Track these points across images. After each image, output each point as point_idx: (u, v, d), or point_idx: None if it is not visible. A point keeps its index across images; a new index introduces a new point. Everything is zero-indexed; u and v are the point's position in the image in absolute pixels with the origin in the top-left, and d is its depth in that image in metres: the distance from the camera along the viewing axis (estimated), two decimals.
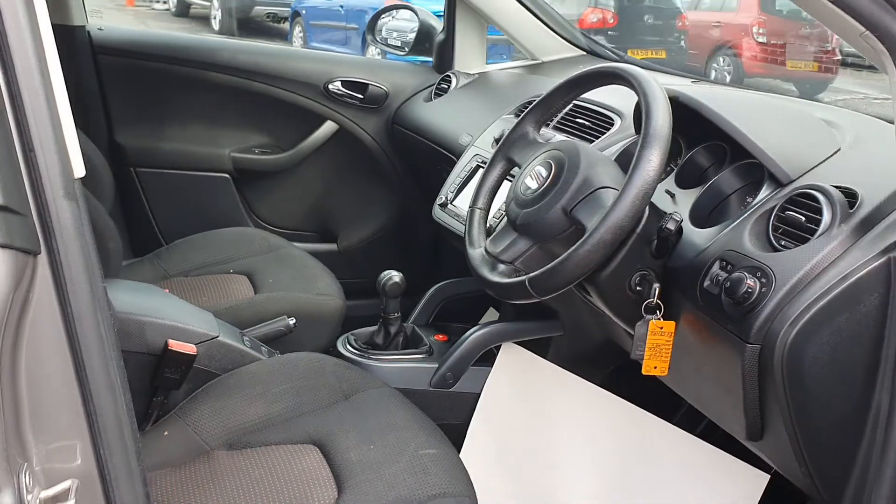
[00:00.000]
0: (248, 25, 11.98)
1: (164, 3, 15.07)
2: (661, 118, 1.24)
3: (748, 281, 1.17)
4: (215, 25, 12.28)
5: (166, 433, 1.49)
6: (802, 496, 1.43)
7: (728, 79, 9.38)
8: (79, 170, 0.79)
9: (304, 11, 10.83)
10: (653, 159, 1.22)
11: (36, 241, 0.76)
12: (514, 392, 1.81)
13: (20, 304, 0.77)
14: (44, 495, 0.79)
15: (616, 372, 1.88)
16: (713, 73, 9.57)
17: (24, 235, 0.74)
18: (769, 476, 1.67)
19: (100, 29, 2.47)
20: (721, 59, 9.64)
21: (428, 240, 2.56)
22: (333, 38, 10.38)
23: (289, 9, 11.37)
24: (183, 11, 14.07)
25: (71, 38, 2.38)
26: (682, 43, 10.29)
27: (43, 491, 0.80)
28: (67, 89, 0.79)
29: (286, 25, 11.70)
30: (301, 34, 10.94)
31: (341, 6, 10.18)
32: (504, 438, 1.78)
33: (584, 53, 2.51)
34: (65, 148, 0.77)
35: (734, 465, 1.70)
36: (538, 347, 1.86)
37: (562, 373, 1.82)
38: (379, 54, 3.06)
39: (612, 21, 10.51)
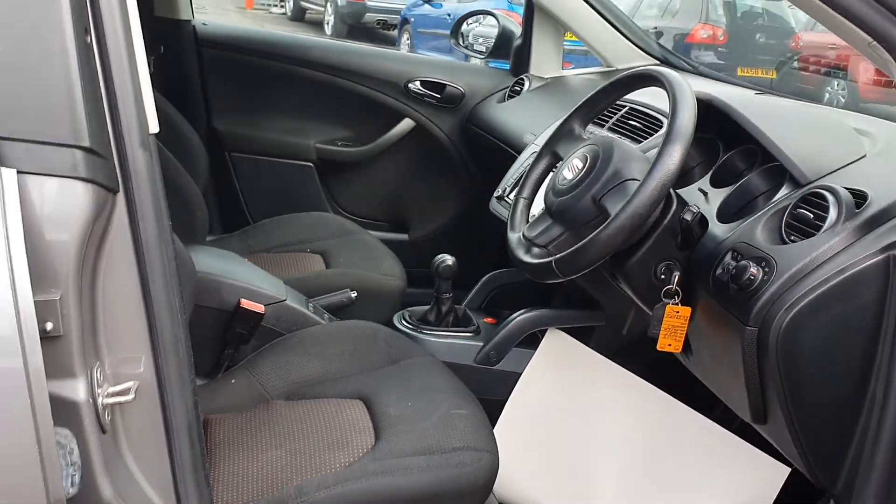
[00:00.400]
0: (358, 31, 12.31)
1: (281, 6, 15.65)
2: (686, 118, 1.35)
3: (752, 269, 1.26)
4: (328, 30, 12.67)
5: (233, 381, 1.66)
6: (820, 491, 1.50)
7: (843, 103, 9.12)
8: (153, 126, 0.96)
9: (412, 19, 11.07)
10: (674, 154, 1.32)
11: (115, 181, 0.94)
12: (553, 374, 1.92)
13: (100, 232, 0.95)
14: (111, 390, 0.97)
15: (656, 364, 1.97)
16: (826, 96, 9.32)
17: (105, 175, 0.91)
18: (790, 469, 1.73)
19: (203, 24, 2.70)
20: (835, 83, 9.39)
21: (493, 232, 2.68)
22: (440, 46, 10.57)
23: (398, 16, 11.64)
24: (298, 16, 14.58)
25: (177, 31, 2.60)
26: (795, 63, 10.06)
27: (110, 388, 0.98)
28: (172, 77, 0.97)
29: (395, 32, 12.01)
30: (409, 41, 11.20)
31: (448, 14, 10.36)
32: (538, 415, 1.89)
33: (658, 62, 2.59)
34: (143, 107, 0.95)
35: (757, 457, 1.77)
36: (581, 336, 1.97)
37: (602, 360, 1.92)
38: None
39: (722, 38, 10.34)
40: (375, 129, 2.78)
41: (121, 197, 0.95)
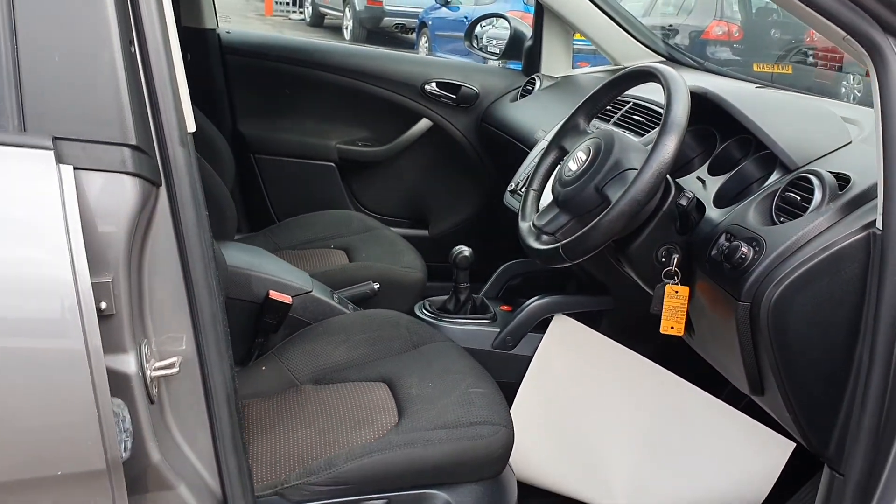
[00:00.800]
0: (377, 35, 12.43)
1: (300, 13, 15.84)
2: (680, 111, 1.44)
3: (743, 248, 1.36)
4: (347, 35, 12.80)
5: (264, 368, 1.76)
6: (819, 463, 1.58)
7: (858, 98, 9.12)
8: (191, 125, 1.08)
9: (430, 22, 11.17)
10: (669, 145, 1.42)
11: (158, 176, 1.05)
12: (562, 357, 2.02)
13: (145, 222, 1.06)
14: (157, 365, 1.08)
15: (664, 348, 2.06)
16: (842, 90, 9.32)
17: (150, 169, 1.03)
18: (794, 444, 1.82)
19: (228, 32, 2.82)
20: (851, 77, 9.39)
21: (508, 225, 2.77)
22: (457, 49, 10.65)
23: (416, 20, 11.76)
24: (317, 22, 14.74)
25: (203, 40, 2.72)
26: (810, 59, 10.05)
27: (157, 362, 1.09)
28: (199, 83, 1.07)
29: (413, 36, 12.12)
30: (427, 44, 11.30)
31: (466, 17, 10.44)
32: (550, 396, 1.99)
33: (664, 59, 2.68)
34: (181, 108, 1.06)
35: (763, 433, 1.85)
36: (592, 320, 2.07)
37: (608, 342, 2.02)
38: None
39: (737, 35, 10.34)
40: (394, 130, 2.90)
41: (163, 190, 1.06)
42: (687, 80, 1.52)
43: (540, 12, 2.71)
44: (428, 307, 2.13)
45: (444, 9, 10.84)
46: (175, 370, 1.08)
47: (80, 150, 0.97)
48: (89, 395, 0.95)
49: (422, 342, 1.81)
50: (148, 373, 1.06)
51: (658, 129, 1.90)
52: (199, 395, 1.14)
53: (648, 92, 2.00)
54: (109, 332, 1.00)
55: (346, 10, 12.74)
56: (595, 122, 1.98)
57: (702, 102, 1.63)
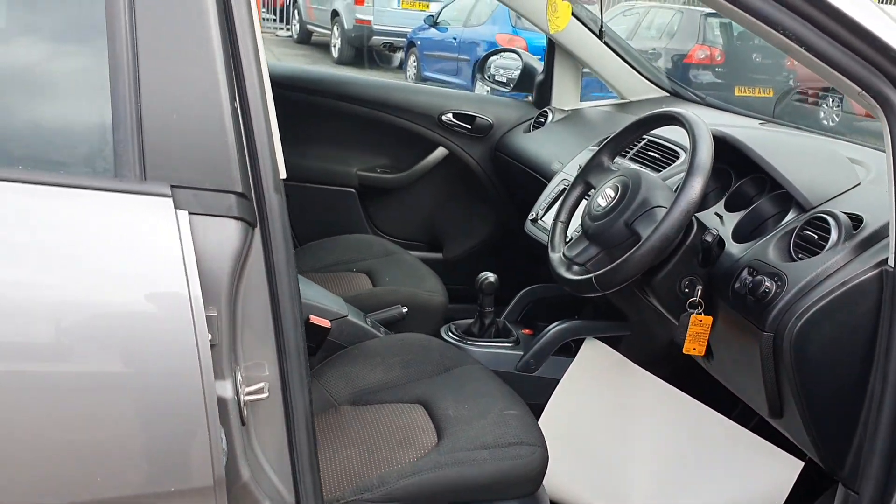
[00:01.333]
0: (365, 54, 12.55)
1: (287, 29, 15.92)
2: (705, 154, 1.57)
3: (766, 283, 1.49)
4: (335, 53, 12.89)
5: None
6: (829, 482, 1.71)
7: (837, 120, 9.34)
8: (282, 172, 1.19)
9: (419, 42, 11.29)
10: (695, 186, 1.55)
11: (255, 218, 1.16)
12: (590, 379, 2.13)
13: (243, 260, 1.16)
14: (248, 389, 1.19)
15: (677, 371, 2.18)
16: (822, 114, 9.54)
17: (249, 212, 1.13)
18: (803, 463, 1.94)
19: None
20: (830, 100, 9.61)
21: (521, 251, 2.90)
22: (446, 68, 10.80)
23: (404, 39, 11.87)
24: (304, 38, 14.81)
25: None
26: (791, 82, 10.27)
27: (247, 387, 1.19)
28: None
29: (401, 55, 12.24)
30: (415, 64, 11.42)
31: (454, 38, 10.60)
32: (576, 417, 2.09)
33: (668, 94, 2.82)
34: (276, 158, 1.17)
35: (773, 452, 1.97)
36: (609, 344, 2.18)
37: (634, 367, 2.13)
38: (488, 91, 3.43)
39: (719, 59, 10.54)
40: (412, 158, 3.02)
41: (258, 231, 1.17)
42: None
43: (552, 49, 2.84)
44: (453, 330, 2.24)
45: (432, 29, 10.99)
46: (265, 395, 1.18)
47: (193, 196, 1.07)
48: (202, 418, 1.05)
49: (453, 365, 1.91)
50: (241, 397, 1.16)
51: (676, 166, 2.07)
52: (279, 417, 1.24)
53: (662, 130, 2.13)
54: (213, 361, 1.10)
55: (335, 28, 12.83)
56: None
57: (720, 144, 1.76)
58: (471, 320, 2.26)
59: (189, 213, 1.06)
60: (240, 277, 1.17)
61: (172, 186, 1.06)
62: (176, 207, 1.05)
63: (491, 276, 2.21)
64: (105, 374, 1.03)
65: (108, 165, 1.07)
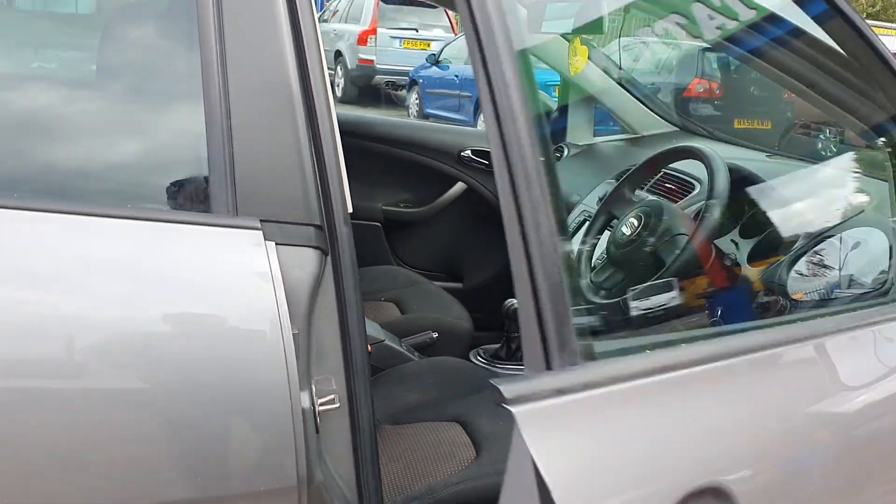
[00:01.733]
0: (368, 93, 12.71)
1: None
2: (722, 185, 1.72)
3: (781, 301, 1.63)
4: (338, 93, 13.06)
5: None
6: None
7: (834, 150, 9.46)
8: (349, 207, 1.33)
9: (421, 80, 11.43)
10: (714, 214, 1.69)
11: (327, 246, 1.30)
12: None
13: (318, 284, 1.30)
14: (321, 400, 1.32)
15: None
16: (819, 144, 9.67)
17: (323, 242, 1.27)
18: None
19: None
20: (827, 131, 9.74)
21: None
22: (448, 105, 10.94)
23: (406, 78, 12.04)
24: None
25: None
26: (789, 114, 10.40)
27: (319, 399, 1.32)
28: None
29: (404, 93, 12.43)
30: (417, 101, 11.61)
31: (456, 75, 10.74)
32: None
33: (677, 129, 2.97)
34: (345, 194, 1.31)
35: None
36: None
37: None
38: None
39: (718, 92, 10.69)
40: (432, 192, 3.16)
41: (329, 258, 1.31)
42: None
43: (566, 87, 3.00)
44: (482, 354, 2.36)
45: (434, 67, 11.15)
46: (337, 405, 1.31)
47: (278, 228, 1.21)
48: (289, 424, 1.18)
49: (485, 386, 2.03)
50: (317, 407, 1.29)
51: (692, 196, 2.21)
52: (346, 427, 1.37)
53: (677, 163, 2.27)
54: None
55: (338, 68, 13.03)
56: None
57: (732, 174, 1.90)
58: (497, 345, 2.39)
59: (276, 244, 1.20)
60: (314, 300, 1.30)
61: (261, 220, 1.20)
62: (265, 238, 1.19)
63: (517, 303, 2.33)
64: (210, 386, 1.16)
65: (204, 202, 1.21)
